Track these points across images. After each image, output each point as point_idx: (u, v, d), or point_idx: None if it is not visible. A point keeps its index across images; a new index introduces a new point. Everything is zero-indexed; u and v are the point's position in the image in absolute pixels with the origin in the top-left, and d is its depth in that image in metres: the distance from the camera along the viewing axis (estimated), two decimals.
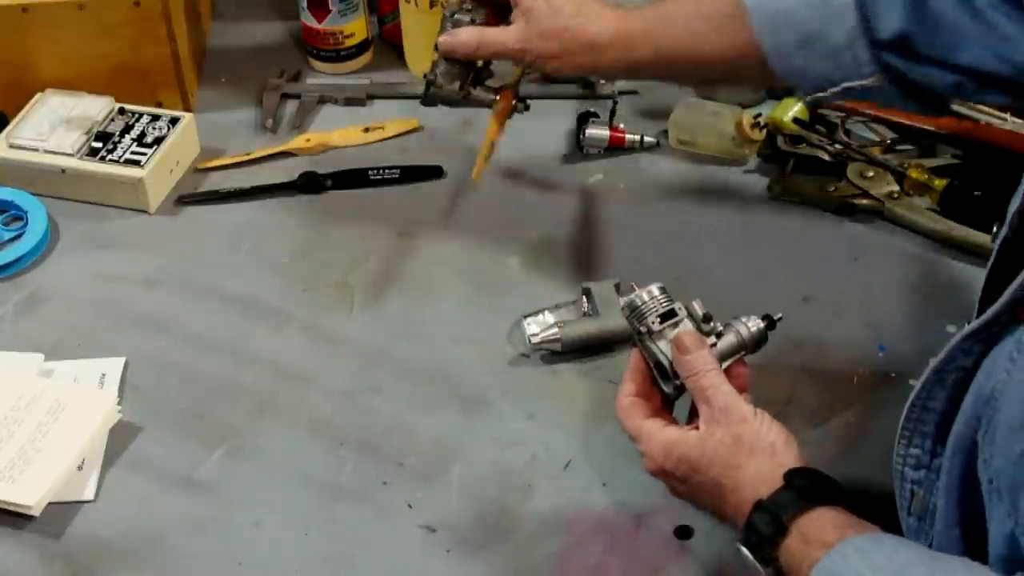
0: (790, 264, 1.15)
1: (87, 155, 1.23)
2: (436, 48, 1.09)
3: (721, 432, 0.84)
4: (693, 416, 0.87)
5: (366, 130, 1.34)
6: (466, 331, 1.10)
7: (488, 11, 1.10)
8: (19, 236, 1.19)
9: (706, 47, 0.99)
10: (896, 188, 1.19)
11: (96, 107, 1.27)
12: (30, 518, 0.94)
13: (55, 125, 1.25)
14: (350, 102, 1.38)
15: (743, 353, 0.90)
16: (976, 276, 1.12)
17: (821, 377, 1.03)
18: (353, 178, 1.27)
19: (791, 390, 1.02)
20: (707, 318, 0.90)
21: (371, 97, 1.39)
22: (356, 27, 1.41)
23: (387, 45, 1.47)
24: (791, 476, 0.80)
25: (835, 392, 1.02)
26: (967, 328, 0.75)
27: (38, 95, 1.29)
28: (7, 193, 1.22)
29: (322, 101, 1.38)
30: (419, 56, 1.40)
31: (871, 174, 1.20)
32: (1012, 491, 0.68)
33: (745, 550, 0.80)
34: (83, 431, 0.99)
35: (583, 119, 1.30)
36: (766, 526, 0.78)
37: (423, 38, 1.38)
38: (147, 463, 0.99)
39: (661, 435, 0.86)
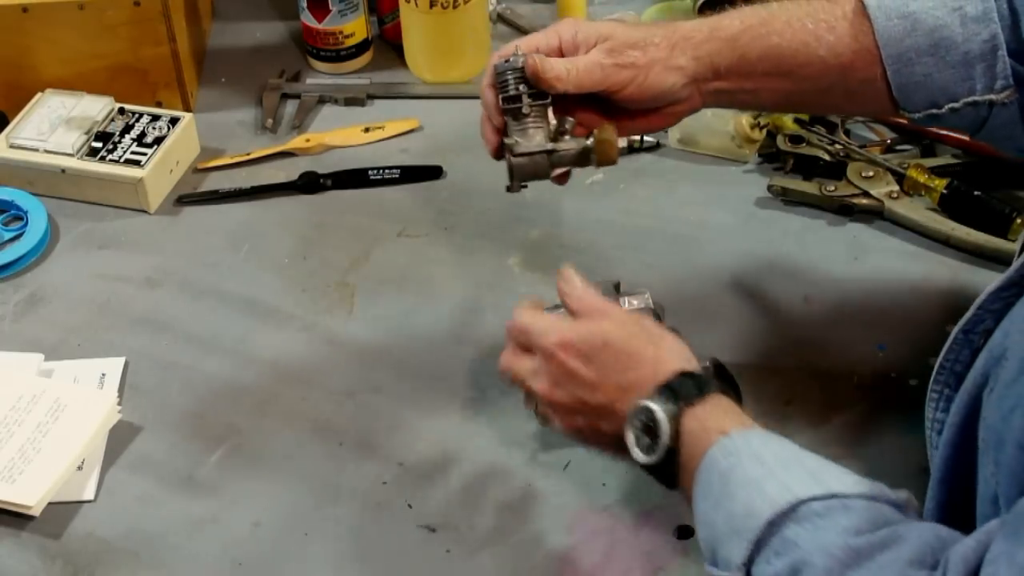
0: (790, 264, 1.15)
1: (87, 155, 1.23)
2: (506, 152, 0.97)
3: (631, 316, 0.85)
4: None
5: (366, 130, 1.33)
6: (466, 331, 1.10)
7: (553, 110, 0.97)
8: (19, 236, 1.19)
9: (820, 49, 0.90)
10: (896, 188, 1.19)
11: (96, 107, 1.27)
12: (30, 518, 0.94)
13: (55, 125, 1.25)
14: (350, 102, 1.38)
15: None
16: (976, 276, 1.13)
17: (821, 377, 1.03)
18: (353, 178, 1.27)
19: (791, 390, 1.02)
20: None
21: (371, 97, 1.39)
22: (356, 27, 1.40)
23: (387, 45, 1.46)
24: (716, 362, 0.81)
25: (835, 392, 1.02)
26: (993, 284, 0.74)
27: (38, 95, 1.29)
28: (7, 193, 1.22)
29: (322, 101, 1.38)
30: (419, 56, 1.40)
31: (871, 174, 1.20)
32: (997, 447, 0.67)
33: (654, 404, 0.76)
34: (83, 431, 0.99)
35: None
36: (688, 389, 0.76)
37: (423, 38, 1.38)
38: (147, 463, 0.99)
39: (565, 321, 0.85)
